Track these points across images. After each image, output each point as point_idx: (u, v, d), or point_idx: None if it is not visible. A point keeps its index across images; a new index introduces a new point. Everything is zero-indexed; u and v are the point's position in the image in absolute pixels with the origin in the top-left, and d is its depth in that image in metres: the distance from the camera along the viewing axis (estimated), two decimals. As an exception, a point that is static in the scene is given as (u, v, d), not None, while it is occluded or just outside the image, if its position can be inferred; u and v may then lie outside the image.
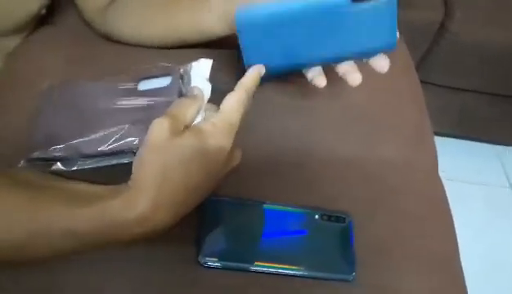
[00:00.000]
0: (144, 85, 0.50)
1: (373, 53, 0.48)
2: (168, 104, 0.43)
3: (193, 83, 0.46)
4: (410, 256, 0.53)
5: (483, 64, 1.11)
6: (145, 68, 0.52)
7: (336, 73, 0.50)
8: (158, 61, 0.53)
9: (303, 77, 0.52)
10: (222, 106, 0.42)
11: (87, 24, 0.66)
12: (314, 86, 0.50)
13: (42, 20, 0.66)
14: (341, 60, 0.49)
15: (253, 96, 0.45)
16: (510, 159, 1.51)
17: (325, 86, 0.50)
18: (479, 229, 1.31)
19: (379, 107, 0.66)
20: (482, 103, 1.24)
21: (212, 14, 0.56)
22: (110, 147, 0.46)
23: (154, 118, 0.39)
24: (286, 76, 0.53)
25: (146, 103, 0.48)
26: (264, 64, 0.47)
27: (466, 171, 1.44)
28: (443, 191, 0.62)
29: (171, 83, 0.48)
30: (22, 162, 0.48)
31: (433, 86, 1.17)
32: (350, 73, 0.49)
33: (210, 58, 0.48)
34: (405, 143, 0.63)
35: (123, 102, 0.49)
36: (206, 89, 0.45)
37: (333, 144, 0.59)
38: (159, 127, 0.38)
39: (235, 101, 0.42)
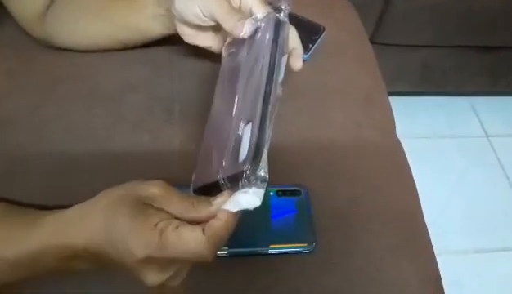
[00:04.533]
0: None
1: None
2: None
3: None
4: (372, 217, 0.54)
5: (437, 18, 1.11)
6: None
7: None
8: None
9: None
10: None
11: (27, 33, 0.64)
12: None
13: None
14: None
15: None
16: (483, 109, 1.51)
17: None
18: (459, 181, 1.33)
19: (329, 77, 0.66)
20: (442, 56, 1.24)
21: (147, 14, 0.56)
22: None
23: None
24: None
25: None
26: None
27: (441, 126, 1.45)
28: (401, 150, 0.63)
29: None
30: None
31: (393, 46, 1.17)
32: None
33: None
34: (356, 108, 0.63)
35: None
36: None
37: (283, 118, 0.59)
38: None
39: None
